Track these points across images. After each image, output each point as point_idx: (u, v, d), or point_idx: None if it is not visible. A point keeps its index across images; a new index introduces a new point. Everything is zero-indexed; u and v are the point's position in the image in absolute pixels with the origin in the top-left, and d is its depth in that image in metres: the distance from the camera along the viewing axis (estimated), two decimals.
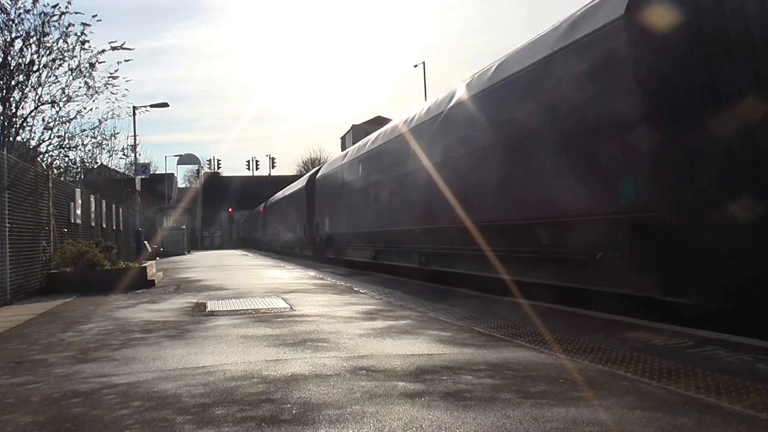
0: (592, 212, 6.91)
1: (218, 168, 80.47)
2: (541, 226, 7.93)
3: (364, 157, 16.69)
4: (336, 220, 20.27)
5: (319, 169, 25.09)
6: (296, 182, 32.67)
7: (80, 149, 18.60)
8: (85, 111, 18.67)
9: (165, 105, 26.95)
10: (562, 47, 7.52)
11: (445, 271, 11.63)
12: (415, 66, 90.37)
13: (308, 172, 34.48)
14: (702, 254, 5.83)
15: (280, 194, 37.45)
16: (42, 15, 14.79)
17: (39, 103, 15.47)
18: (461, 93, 10.64)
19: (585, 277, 7.28)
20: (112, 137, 21.22)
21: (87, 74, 15.94)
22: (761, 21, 5.92)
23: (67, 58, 15.48)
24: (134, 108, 25.28)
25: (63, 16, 14.98)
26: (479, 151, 9.63)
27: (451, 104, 10.89)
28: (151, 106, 26.12)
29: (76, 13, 17.47)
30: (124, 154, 26.78)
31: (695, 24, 6.09)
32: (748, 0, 6.01)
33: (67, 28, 15.17)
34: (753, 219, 5.52)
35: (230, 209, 71.67)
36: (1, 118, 14.74)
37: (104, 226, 18.84)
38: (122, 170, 29.34)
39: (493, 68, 9.63)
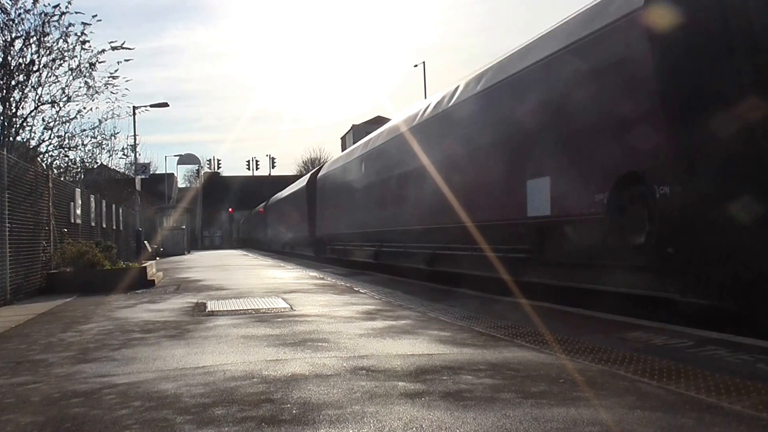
0: None
1: (218, 168, 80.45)
2: None
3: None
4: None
5: (318, 169, 25.82)
6: (295, 183, 32.95)
7: (80, 149, 18.73)
8: (85, 111, 18.77)
9: (165, 105, 27.00)
10: None
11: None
12: (415, 66, 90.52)
13: (308, 172, 34.96)
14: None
15: (279, 195, 38.32)
16: (42, 15, 14.87)
17: (39, 103, 15.55)
18: None
19: None
20: (112, 137, 21.35)
21: (87, 74, 16.04)
22: None
23: (67, 58, 15.58)
24: (134, 108, 25.36)
25: (63, 16, 15.05)
26: None
27: None
28: (151, 106, 26.20)
29: (76, 13, 17.28)
30: (124, 154, 26.93)
31: None
32: None
33: (67, 28, 15.26)
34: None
35: (230, 209, 71.63)
36: (1, 118, 14.78)
37: (104, 226, 18.82)
38: (122, 170, 29.42)
39: None
